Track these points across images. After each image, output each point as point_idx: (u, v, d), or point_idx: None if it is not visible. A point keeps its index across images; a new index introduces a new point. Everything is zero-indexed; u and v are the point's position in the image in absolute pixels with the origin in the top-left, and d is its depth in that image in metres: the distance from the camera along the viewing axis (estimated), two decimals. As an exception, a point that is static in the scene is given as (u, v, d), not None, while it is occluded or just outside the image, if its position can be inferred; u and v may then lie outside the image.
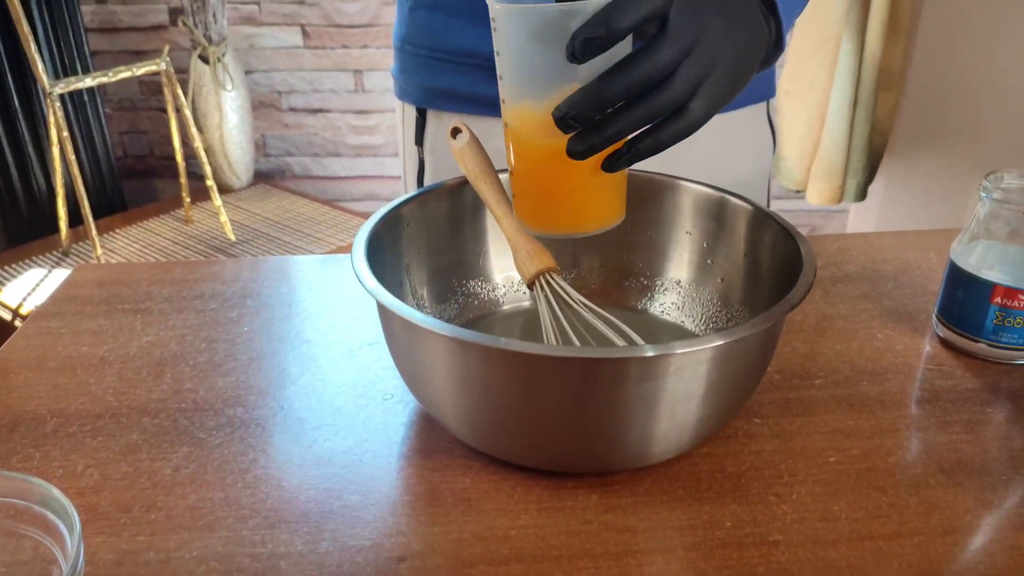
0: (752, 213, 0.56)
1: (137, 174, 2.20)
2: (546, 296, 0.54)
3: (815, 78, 1.71)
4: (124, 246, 1.86)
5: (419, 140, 0.79)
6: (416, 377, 0.48)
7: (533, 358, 0.39)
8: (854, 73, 1.69)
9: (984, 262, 0.58)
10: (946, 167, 1.90)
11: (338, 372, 0.59)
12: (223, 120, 1.95)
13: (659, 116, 0.43)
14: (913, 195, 1.93)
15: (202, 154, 1.81)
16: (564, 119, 0.42)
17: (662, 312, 0.63)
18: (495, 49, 0.47)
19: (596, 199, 0.50)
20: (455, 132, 0.60)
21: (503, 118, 0.49)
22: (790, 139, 1.80)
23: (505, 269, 0.64)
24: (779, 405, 0.54)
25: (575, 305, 0.52)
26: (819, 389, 0.56)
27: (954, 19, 1.75)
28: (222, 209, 1.83)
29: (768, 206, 0.87)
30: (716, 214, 0.59)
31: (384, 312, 0.46)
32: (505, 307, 0.64)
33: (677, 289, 0.62)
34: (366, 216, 2.01)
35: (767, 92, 0.79)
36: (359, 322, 0.65)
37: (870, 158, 1.79)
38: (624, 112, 0.42)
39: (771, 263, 0.54)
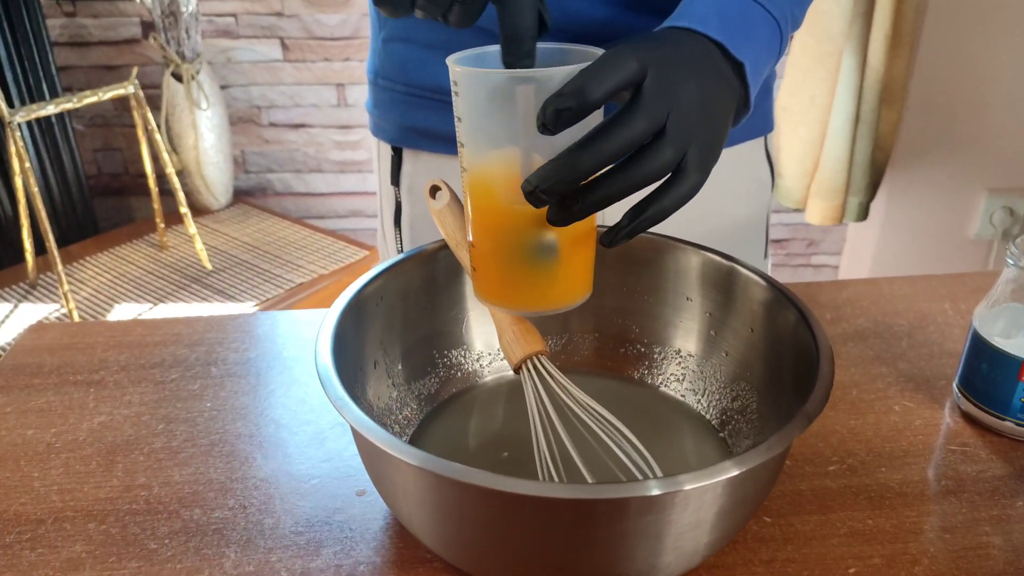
0: (763, 288, 0.51)
1: (111, 193, 2.13)
2: (534, 384, 0.49)
3: (815, 95, 1.66)
4: (94, 276, 1.78)
5: (395, 180, 0.74)
6: (388, 494, 0.43)
7: (516, 497, 0.34)
8: (856, 89, 1.64)
9: (1010, 331, 0.53)
10: (948, 181, 1.86)
11: (306, 461, 0.54)
12: (199, 140, 1.88)
13: (648, 182, 0.40)
14: (915, 209, 1.88)
15: (175, 180, 1.74)
16: (534, 193, 0.39)
17: (662, 383, 0.58)
18: (455, 115, 0.43)
19: (564, 273, 0.46)
20: (434, 191, 0.55)
21: (464, 186, 0.46)
22: (789, 157, 1.75)
23: (487, 336, 0.59)
24: (791, 499, 0.49)
25: (567, 400, 0.47)
26: (834, 478, 0.51)
27: (957, 31, 1.71)
28: (197, 237, 1.76)
29: (767, 243, 0.82)
30: (723, 284, 0.54)
31: (353, 430, 0.41)
32: (488, 378, 0.59)
33: (678, 359, 0.57)
34: (347, 238, 1.97)
35: (765, 126, 0.75)
36: (331, 397, 0.60)
37: (872, 176, 1.74)
38: (607, 179, 0.39)
39: (783, 343, 0.49)
